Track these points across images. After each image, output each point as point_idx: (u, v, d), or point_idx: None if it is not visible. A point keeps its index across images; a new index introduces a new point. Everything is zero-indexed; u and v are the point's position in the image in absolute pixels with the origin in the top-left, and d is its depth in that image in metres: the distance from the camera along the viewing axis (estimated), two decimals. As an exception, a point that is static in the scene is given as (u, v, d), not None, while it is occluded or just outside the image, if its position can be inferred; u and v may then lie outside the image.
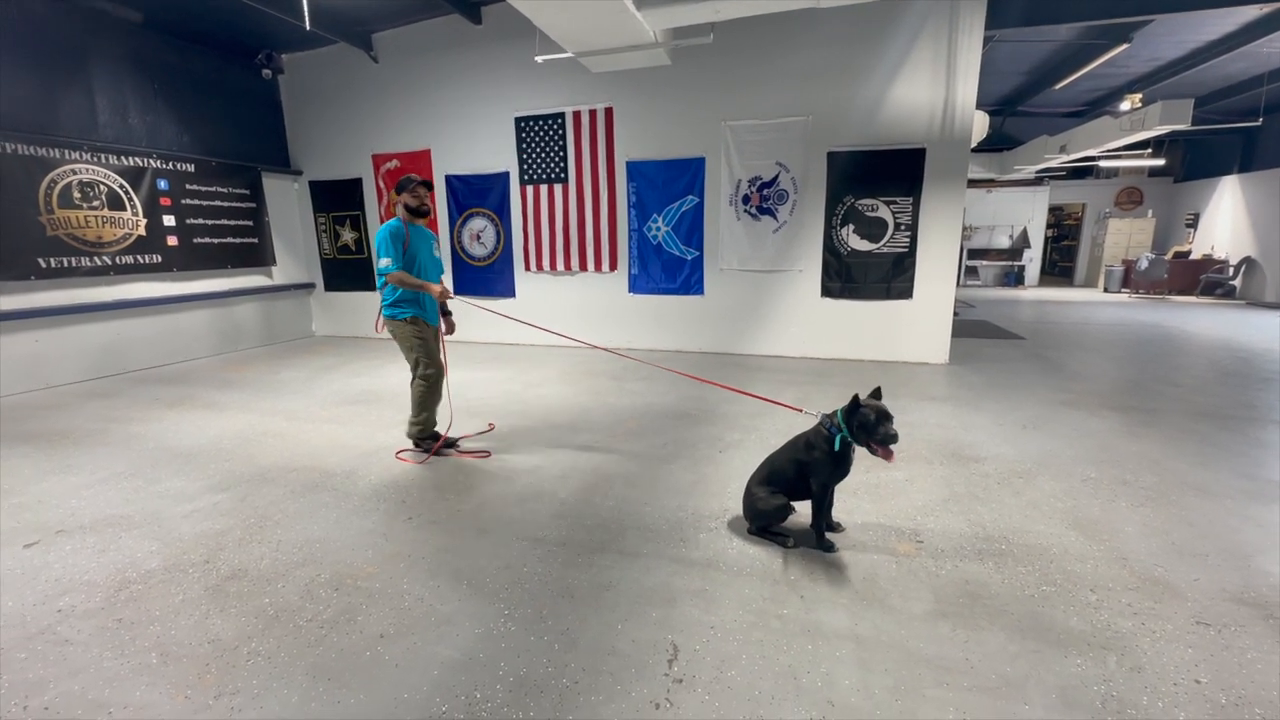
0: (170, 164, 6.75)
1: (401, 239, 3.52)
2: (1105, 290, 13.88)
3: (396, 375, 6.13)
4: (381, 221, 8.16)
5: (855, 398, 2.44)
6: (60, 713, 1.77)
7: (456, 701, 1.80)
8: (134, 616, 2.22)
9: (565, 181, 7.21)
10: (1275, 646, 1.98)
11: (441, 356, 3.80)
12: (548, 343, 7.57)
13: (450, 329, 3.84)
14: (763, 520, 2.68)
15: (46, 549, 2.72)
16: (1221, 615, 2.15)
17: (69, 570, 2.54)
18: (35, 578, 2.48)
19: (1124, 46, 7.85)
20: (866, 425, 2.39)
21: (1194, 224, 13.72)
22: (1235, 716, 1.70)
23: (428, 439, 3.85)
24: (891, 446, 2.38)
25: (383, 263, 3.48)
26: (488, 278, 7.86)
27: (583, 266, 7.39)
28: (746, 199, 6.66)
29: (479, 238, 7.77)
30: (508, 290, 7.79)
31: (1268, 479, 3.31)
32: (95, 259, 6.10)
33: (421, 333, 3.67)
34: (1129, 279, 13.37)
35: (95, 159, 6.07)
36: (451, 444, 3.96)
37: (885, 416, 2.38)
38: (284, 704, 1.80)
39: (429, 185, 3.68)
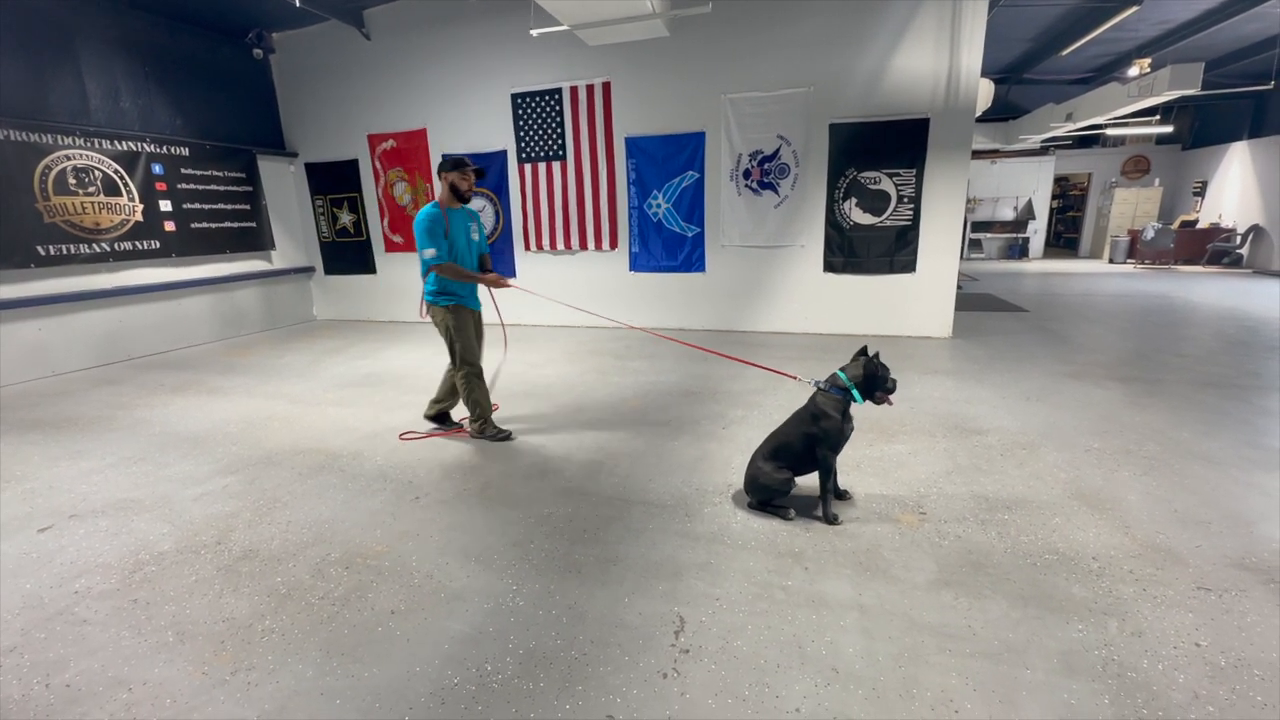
0: (164, 148, 6.68)
1: (441, 226, 3.39)
2: (1110, 261, 13.75)
3: (399, 358, 6.15)
4: (382, 203, 8.10)
5: (864, 350, 2.65)
6: (81, 689, 1.81)
7: (468, 674, 1.83)
8: (149, 597, 2.26)
9: (564, 159, 7.12)
10: (1275, 610, 2.00)
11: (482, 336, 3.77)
12: (550, 322, 7.56)
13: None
14: (765, 494, 2.70)
15: (60, 533, 2.76)
16: (1223, 580, 2.17)
17: (83, 553, 2.58)
18: (51, 561, 2.52)
19: (1133, 9, 7.65)
20: (878, 377, 2.56)
21: (1201, 192, 13.53)
22: (1234, 678, 1.73)
23: (494, 423, 3.80)
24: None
25: (427, 253, 3.37)
26: (488, 258, 7.81)
27: (583, 245, 7.34)
28: (747, 174, 6.58)
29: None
30: (508, 270, 7.74)
31: (1272, 447, 3.32)
32: (94, 246, 6.07)
33: (461, 322, 3.57)
34: (1135, 249, 13.23)
35: (89, 144, 6.01)
36: (450, 424, 3.98)
37: (885, 365, 2.61)
38: (299, 678, 1.83)
39: (481, 171, 3.54)
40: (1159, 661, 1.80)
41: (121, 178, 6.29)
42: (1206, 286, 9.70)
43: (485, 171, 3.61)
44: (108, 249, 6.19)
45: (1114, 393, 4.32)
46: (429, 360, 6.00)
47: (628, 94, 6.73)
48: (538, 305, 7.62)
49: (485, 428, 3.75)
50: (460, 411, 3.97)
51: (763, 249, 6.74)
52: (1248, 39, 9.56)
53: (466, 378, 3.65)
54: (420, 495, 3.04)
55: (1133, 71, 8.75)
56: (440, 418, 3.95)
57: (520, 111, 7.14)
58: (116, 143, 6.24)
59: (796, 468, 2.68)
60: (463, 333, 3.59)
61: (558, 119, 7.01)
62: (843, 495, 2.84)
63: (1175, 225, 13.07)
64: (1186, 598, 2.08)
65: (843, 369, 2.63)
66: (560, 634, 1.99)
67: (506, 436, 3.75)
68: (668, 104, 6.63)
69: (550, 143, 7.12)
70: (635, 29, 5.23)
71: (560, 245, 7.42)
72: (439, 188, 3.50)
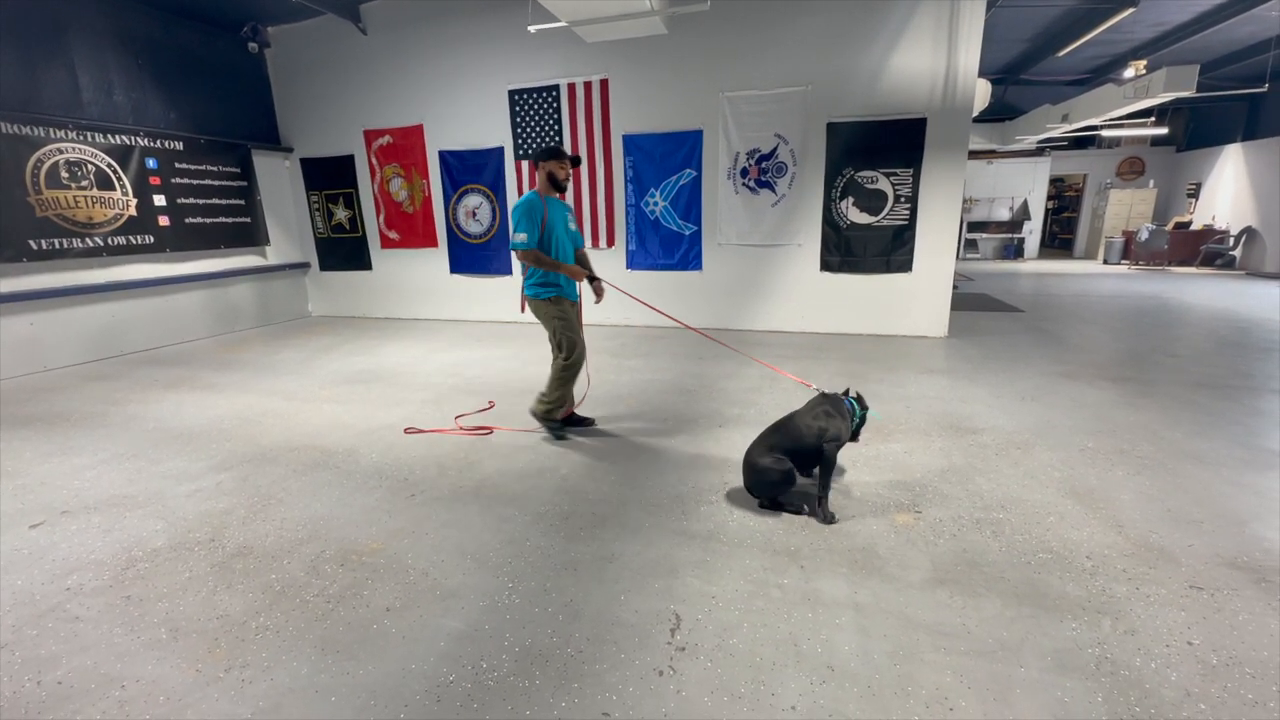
0: (158, 142, 6.63)
1: (539, 214, 3.33)
2: (1105, 262, 13.82)
3: (395, 355, 6.13)
4: (378, 199, 8.06)
5: (848, 392, 2.95)
6: (73, 687, 1.80)
7: (463, 671, 1.83)
8: (142, 594, 2.24)
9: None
10: (1266, 609, 2.02)
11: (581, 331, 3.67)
12: (546, 320, 7.54)
13: (599, 294, 3.64)
14: (773, 490, 2.71)
15: (52, 529, 2.74)
16: (1214, 579, 2.18)
17: (76, 550, 2.56)
18: (42, 557, 2.51)
19: (1129, 11, 7.68)
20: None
21: (1195, 194, 13.61)
22: (1226, 676, 1.74)
23: (555, 420, 3.71)
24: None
25: (517, 237, 3.31)
26: (485, 255, 7.79)
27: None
28: (745, 172, 6.57)
29: (474, 215, 7.68)
30: (504, 268, 7.73)
31: (1264, 447, 3.34)
32: (87, 240, 6.03)
33: (564, 312, 3.51)
34: (1129, 250, 13.30)
35: (81, 137, 5.96)
36: (583, 421, 3.86)
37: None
38: (293, 676, 1.83)
39: (577, 161, 3.48)
40: (1151, 660, 1.81)
41: (115, 172, 6.24)
42: (1200, 288, 9.76)
43: (580, 160, 3.54)
44: (101, 243, 6.14)
45: (1108, 393, 4.35)
46: (425, 357, 5.98)
47: (625, 91, 6.71)
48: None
49: (551, 413, 3.67)
50: (455, 406, 3.92)
51: (760, 248, 6.75)
52: (1242, 42, 9.62)
53: (566, 369, 3.57)
54: (416, 492, 3.03)
55: (1128, 73, 8.80)
56: (570, 420, 3.85)
57: (517, 108, 7.11)
58: (110, 136, 6.19)
59: (802, 465, 2.70)
60: (568, 325, 3.52)
61: (555, 116, 6.99)
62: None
63: (1169, 227, 13.15)
64: (1179, 596, 2.09)
65: (853, 398, 2.91)
66: (556, 631, 1.99)
67: (562, 436, 3.68)
68: (665, 102, 6.62)
69: (548, 139, 7.10)
70: (633, 26, 5.21)
71: (557, 243, 7.39)
72: (538, 178, 3.46)
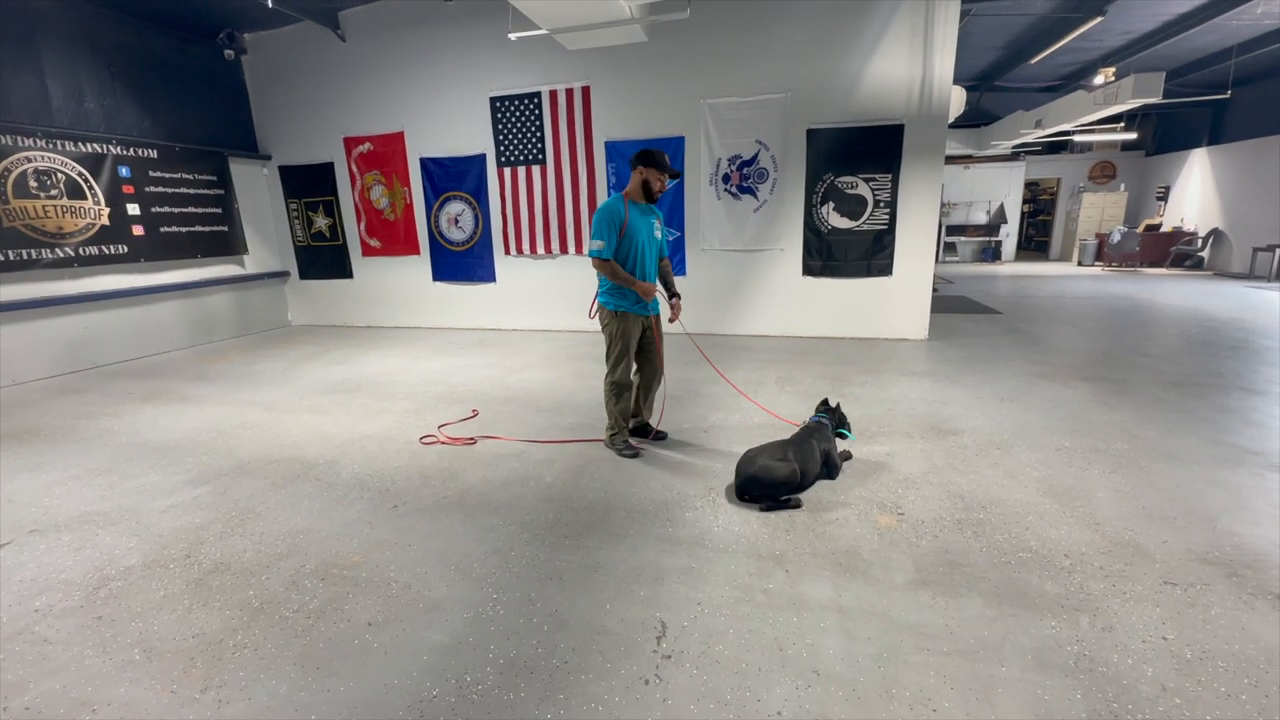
0: (131, 150, 6.51)
1: (619, 220, 3.20)
2: (1080, 264, 14.12)
3: (377, 364, 6.06)
4: (359, 206, 7.98)
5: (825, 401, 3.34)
6: (42, 712, 1.75)
7: (447, 685, 1.81)
8: (114, 613, 2.18)
9: (543, 163, 7.09)
10: (1238, 603, 2.07)
11: (659, 347, 3.54)
12: (530, 327, 7.52)
13: (675, 314, 3.51)
14: (778, 490, 2.79)
15: (20, 549, 2.65)
16: (1188, 575, 2.23)
17: (45, 570, 2.49)
18: (9, 578, 2.43)
19: (1098, 19, 7.89)
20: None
21: (1164, 197, 13.98)
22: (1200, 670, 1.78)
23: (627, 438, 3.58)
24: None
25: (594, 244, 3.20)
26: (467, 263, 7.75)
27: (563, 249, 7.31)
28: (727, 178, 6.62)
29: (456, 222, 7.64)
30: (488, 275, 7.69)
31: (1234, 444, 3.43)
32: (57, 250, 5.89)
33: (626, 330, 3.36)
34: (1102, 252, 13.61)
35: (50, 146, 5.82)
36: (659, 435, 3.75)
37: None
38: (272, 695, 1.79)
39: (677, 175, 3.30)
40: (1128, 655, 1.84)
41: (86, 180, 6.10)
42: (1170, 288, 10.01)
43: (680, 174, 3.37)
44: (72, 254, 6.00)
45: (1083, 392, 4.43)
46: (407, 366, 5.92)
47: (607, 98, 6.73)
48: (516, 308, 7.62)
49: (615, 439, 3.56)
50: (440, 415, 3.88)
51: (742, 253, 6.79)
52: (1204, 50, 9.93)
53: (614, 386, 3.46)
54: (398, 503, 2.99)
55: (1098, 80, 9.04)
56: (641, 430, 3.73)
57: (499, 115, 7.10)
58: (81, 144, 6.06)
59: (808, 475, 2.96)
60: (623, 342, 3.38)
61: (537, 122, 6.99)
62: (847, 456, 3.29)
63: (1140, 229, 13.49)
64: (1154, 592, 2.14)
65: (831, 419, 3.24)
66: (541, 642, 1.97)
67: (633, 454, 3.49)
68: (647, 108, 6.65)
69: (530, 146, 7.10)
70: (614, 34, 5.23)
71: (540, 249, 7.38)
72: (631, 180, 3.29)
